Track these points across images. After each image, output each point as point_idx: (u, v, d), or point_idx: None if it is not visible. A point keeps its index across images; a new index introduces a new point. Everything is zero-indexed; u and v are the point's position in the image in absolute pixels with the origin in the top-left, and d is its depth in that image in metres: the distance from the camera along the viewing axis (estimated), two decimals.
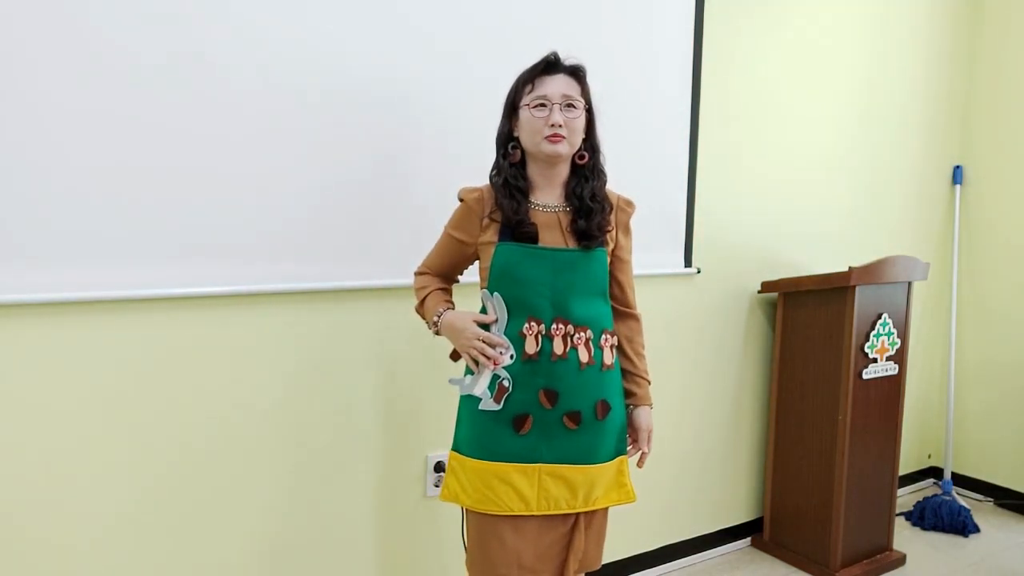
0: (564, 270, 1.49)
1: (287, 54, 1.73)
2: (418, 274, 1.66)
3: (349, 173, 1.84)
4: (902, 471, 3.27)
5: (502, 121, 1.55)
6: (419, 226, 1.90)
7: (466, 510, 1.55)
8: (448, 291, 1.65)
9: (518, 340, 1.47)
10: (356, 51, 1.82)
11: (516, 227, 1.48)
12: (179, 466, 1.70)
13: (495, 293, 1.48)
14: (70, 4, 1.49)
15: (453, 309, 1.57)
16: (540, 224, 1.50)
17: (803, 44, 2.74)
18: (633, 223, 1.63)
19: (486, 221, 1.52)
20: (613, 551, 2.41)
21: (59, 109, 1.50)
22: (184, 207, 1.64)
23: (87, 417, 1.59)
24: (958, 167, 3.37)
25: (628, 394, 1.63)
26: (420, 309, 1.63)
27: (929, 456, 3.50)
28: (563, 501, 1.50)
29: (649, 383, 1.66)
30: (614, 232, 1.58)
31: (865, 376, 2.52)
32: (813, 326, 2.58)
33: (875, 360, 2.54)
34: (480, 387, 1.48)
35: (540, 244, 1.49)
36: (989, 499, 3.27)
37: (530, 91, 1.48)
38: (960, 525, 2.93)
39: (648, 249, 2.33)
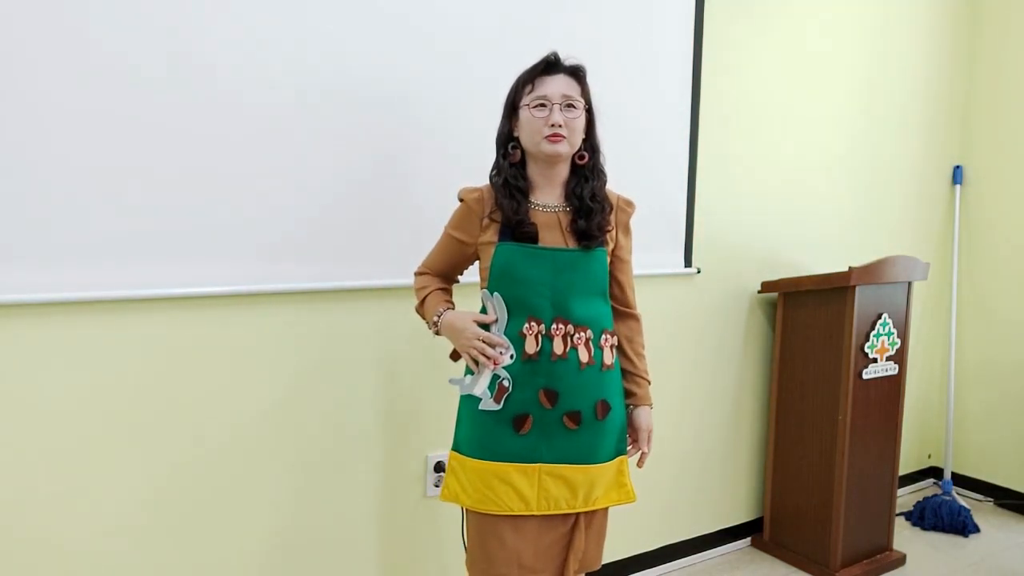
0: (564, 270, 1.49)
1: (287, 54, 1.73)
2: (418, 274, 1.66)
3: (349, 173, 1.84)
4: (902, 471, 3.27)
5: (502, 121, 1.55)
6: (419, 226, 1.90)
7: (466, 510, 1.55)
8: (448, 291, 1.65)
9: (518, 340, 1.47)
10: (356, 51, 1.82)
11: (516, 227, 1.48)
12: (179, 466, 1.70)
13: (495, 293, 1.48)
14: (70, 4, 1.49)
15: (453, 309, 1.57)
16: (540, 224, 1.50)
17: (803, 44, 2.75)
18: (633, 223, 1.63)
19: (486, 221, 1.52)
20: (613, 551, 2.41)
21: (59, 109, 1.50)
22: (184, 207, 1.64)
23: (87, 417, 1.59)
24: (958, 167, 3.37)
25: (628, 394, 1.63)
26: (420, 309, 1.63)
27: (929, 456, 3.50)
28: (563, 501, 1.50)
29: (649, 383, 1.66)
30: (614, 232, 1.58)
31: (865, 376, 2.52)
32: (813, 326, 2.58)
33: (875, 360, 2.55)
34: (480, 387, 1.48)
35: (540, 244, 1.49)
36: (989, 499, 3.27)
37: (530, 91, 1.48)
38: (960, 525, 2.93)
39: (648, 249, 2.33)
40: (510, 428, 1.48)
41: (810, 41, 2.76)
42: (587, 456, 1.51)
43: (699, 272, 2.54)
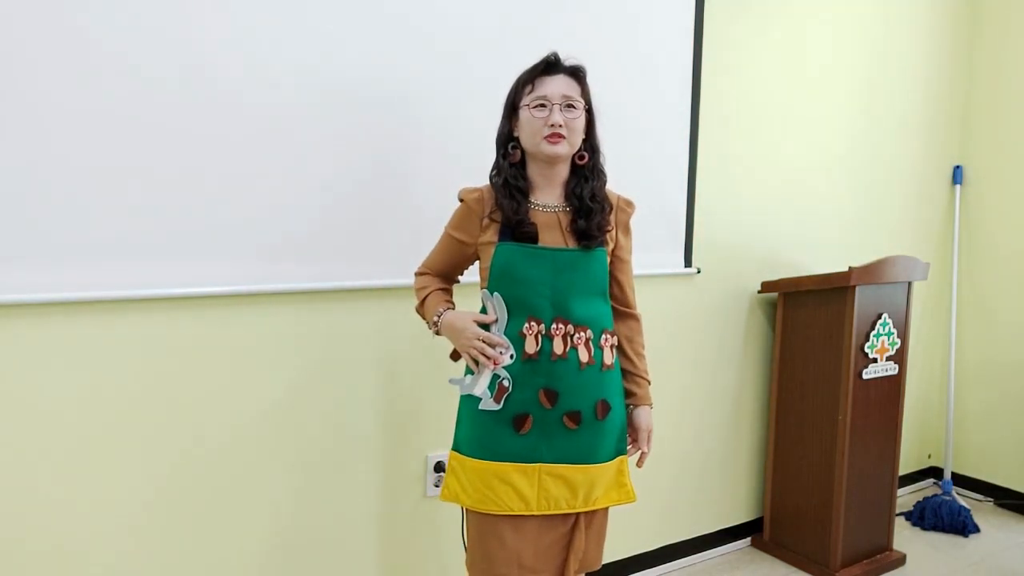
0: (564, 270, 1.49)
1: (287, 54, 1.73)
2: (418, 274, 1.66)
3: (349, 173, 1.84)
4: (902, 471, 3.27)
5: (502, 121, 1.55)
6: (419, 226, 1.91)
7: (466, 510, 1.55)
8: (448, 291, 1.65)
9: (518, 340, 1.47)
10: (356, 51, 1.82)
11: (516, 227, 1.48)
12: (179, 466, 1.70)
13: (495, 293, 1.48)
14: (70, 4, 1.49)
15: (453, 309, 1.57)
16: (540, 224, 1.50)
17: (803, 44, 2.75)
18: (633, 223, 1.63)
19: (486, 221, 1.52)
20: (613, 551, 2.41)
21: (59, 109, 1.50)
22: (184, 207, 1.64)
23: (87, 417, 1.59)
24: (958, 167, 3.37)
25: (628, 394, 1.63)
26: (420, 309, 1.63)
27: (929, 456, 3.50)
28: (563, 501, 1.50)
29: (649, 383, 1.66)
30: (614, 232, 1.58)
31: (865, 376, 2.52)
32: (813, 326, 2.58)
33: (875, 360, 2.55)
34: (480, 387, 1.48)
35: (540, 244, 1.49)
36: (989, 499, 3.27)
37: (530, 91, 1.48)
38: (960, 525, 2.94)
39: (648, 249, 2.33)
40: (510, 428, 1.48)
41: (810, 41, 2.76)
42: (587, 456, 1.51)
43: (699, 272, 2.54)
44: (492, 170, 1.56)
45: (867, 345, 2.51)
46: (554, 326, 1.47)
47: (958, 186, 3.37)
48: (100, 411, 1.60)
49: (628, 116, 2.29)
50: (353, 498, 1.93)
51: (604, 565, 1.95)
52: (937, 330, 3.44)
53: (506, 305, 1.47)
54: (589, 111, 1.53)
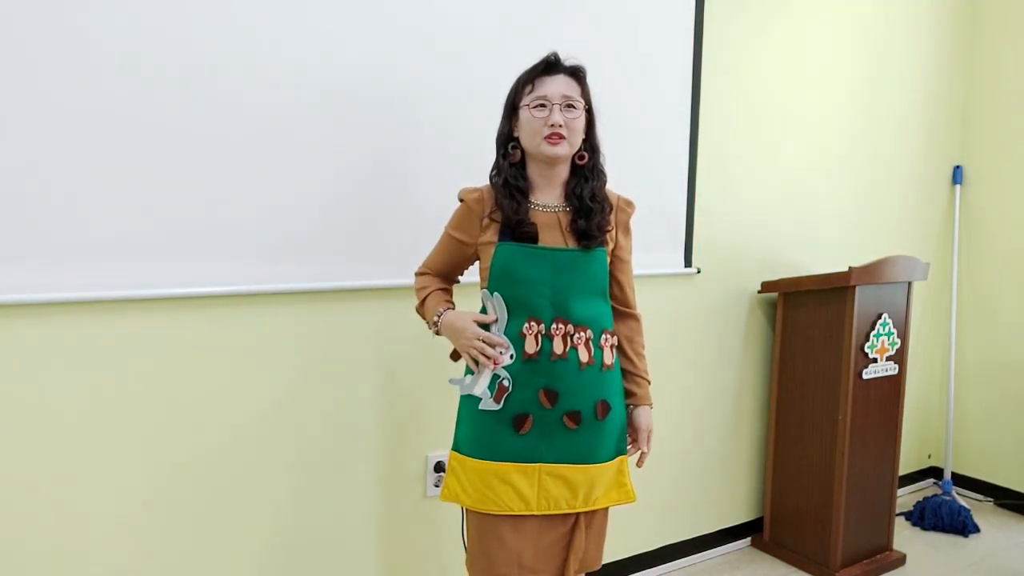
0: (564, 270, 1.49)
1: (287, 54, 1.73)
2: (418, 274, 1.66)
3: (349, 173, 1.84)
4: (902, 471, 3.27)
5: (502, 121, 1.55)
6: (419, 226, 1.90)
7: (466, 510, 1.55)
8: (448, 291, 1.65)
9: (518, 340, 1.47)
10: (356, 51, 1.82)
11: (516, 227, 1.48)
12: (179, 466, 1.70)
13: (495, 293, 1.48)
14: (70, 5, 1.49)
15: (453, 309, 1.57)
16: (540, 224, 1.50)
17: (803, 44, 2.74)
18: (633, 223, 1.63)
19: (486, 221, 1.52)
20: (613, 551, 2.41)
21: (59, 109, 1.50)
22: (184, 207, 1.64)
23: (87, 417, 1.59)
24: (958, 167, 3.37)
25: (628, 394, 1.63)
26: (420, 309, 1.63)
27: (929, 456, 3.50)
28: (563, 501, 1.50)
29: (649, 383, 1.66)
30: (614, 232, 1.58)
31: (865, 376, 2.52)
32: (813, 326, 2.58)
33: (875, 360, 2.55)
34: (480, 387, 1.48)
35: (540, 244, 1.49)
36: (989, 499, 3.27)
37: (530, 91, 1.48)
38: (960, 525, 2.94)
39: (648, 249, 2.33)
40: (510, 428, 1.48)
41: (810, 41, 2.76)
42: (587, 456, 1.51)
43: (699, 272, 2.54)
44: (492, 170, 1.56)
45: (867, 345, 2.51)
46: (554, 326, 1.47)
47: (958, 186, 3.37)
48: (100, 411, 1.60)
49: (628, 116, 2.29)
50: (353, 498, 1.93)
51: (604, 565, 1.95)
52: (937, 330, 3.44)
53: (506, 305, 1.47)
54: (589, 111, 1.53)
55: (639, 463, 1.65)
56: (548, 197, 1.53)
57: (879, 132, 3.05)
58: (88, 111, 1.53)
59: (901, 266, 2.54)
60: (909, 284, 2.64)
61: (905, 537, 2.90)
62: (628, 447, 1.63)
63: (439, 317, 1.55)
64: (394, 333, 1.95)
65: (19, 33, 1.45)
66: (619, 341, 1.61)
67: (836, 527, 2.51)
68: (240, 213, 1.71)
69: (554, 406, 1.48)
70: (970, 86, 3.37)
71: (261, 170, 1.73)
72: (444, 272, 1.64)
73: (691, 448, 2.61)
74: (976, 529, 2.95)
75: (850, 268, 2.42)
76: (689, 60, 2.41)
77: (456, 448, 1.56)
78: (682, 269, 2.49)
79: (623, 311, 1.64)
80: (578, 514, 1.53)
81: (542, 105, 1.47)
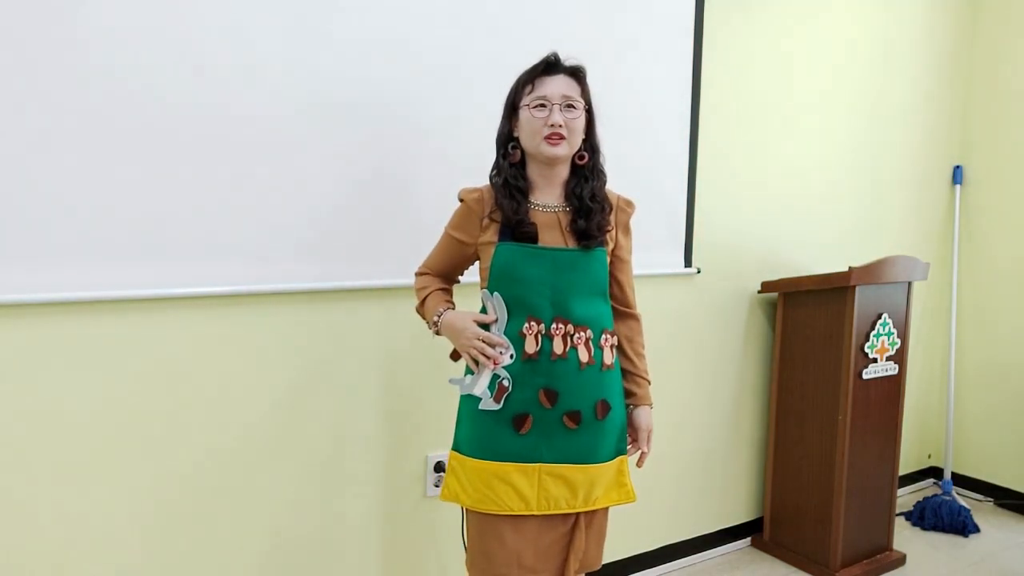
0: (564, 270, 1.49)
1: (287, 55, 1.73)
2: (418, 274, 1.66)
3: (350, 173, 1.84)
4: (902, 471, 3.27)
5: (502, 121, 1.55)
6: (419, 226, 1.90)
7: (466, 510, 1.55)
8: (448, 291, 1.65)
9: (518, 340, 1.47)
10: (356, 53, 1.82)
11: (516, 227, 1.48)
12: (179, 466, 1.70)
13: (495, 293, 1.48)
14: (71, 6, 1.49)
15: (453, 309, 1.57)
16: (540, 224, 1.50)
17: (803, 44, 2.74)
18: (633, 223, 1.63)
19: (486, 221, 1.52)
20: (613, 551, 2.41)
21: (59, 109, 1.50)
22: (184, 208, 1.64)
23: (87, 417, 1.59)
24: (958, 167, 3.37)
25: (628, 394, 1.63)
26: (420, 309, 1.63)
27: (929, 456, 3.50)
28: (563, 501, 1.50)
29: (649, 383, 1.66)
30: (614, 232, 1.58)
31: (865, 376, 2.52)
32: (813, 326, 2.58)
33: (875, 360, 2.55)
34: (480, 387, 1.48)
35: (540, 244, 1.49)
36: (989, 499, 3.27)
37: (530, 91, 1.48)
38: (960, 525, 2.94)
39: (648, 249, 2.33)
40: (510, 428, 1.48)
41: (810, 41, 2.76)
42: (587, 456, 1.51)
43: (699, 272, 2.54)
44: (492, 170, 1.56)
45: (867, 345, 2.51)
46: (554, 326, 1.47)
47: (958, 186, 3.37)
48: (100, 411, 1.60)
49: (628, 116, 2.29)
50: (353, 498, 1.93)
51: (604, 565, 1.95)
52: (937, 330, 3.44)
53: (506, 305, 1.47)
54: (589, 111, 1.53)
55: (639, 463, 1.65)
56: (548, 197, 1.53)
57: (879, 132, 3.05)
58: (88, 112, 1.53)
59: (901, 266, 2.54)
60: (909, 284, 2.64)
61: (905, 537, 2.90)
62: (628, 447, 1.63)
63: (439, 317, 1.55)
64: (394, 333, 1.95)
65: (19, 34, 1.45)
66: (619, 341, 1.61)
67: (836, 527, 2.51)
68: (240, 214, 1.71)
69: (554, 406, 1.48)
70: (970, 86, 3.37)
71: (261, 171, 1.73)
72: (444, 272, 1.64)
73: (691, 448, 2.61)
74: (976, 529, 2.95)
75: (850, 268, 2.42)
76: (689, 59, 2.41)
77: (456, 448, 1.56)
78: (682, 269, 2.49)
79: (623, 311, 1.64)
80: (578, 514, 1.53)
81: (542, 105, 1.47)
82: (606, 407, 1.52)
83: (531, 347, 1.46)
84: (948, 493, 3.20)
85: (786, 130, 2.73)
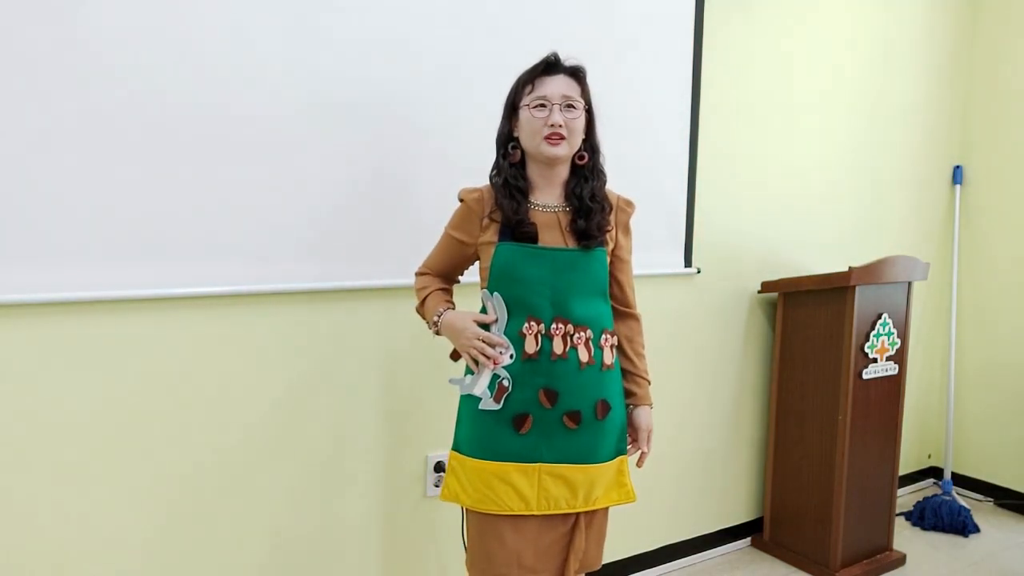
0: (564, 270, 1.49)
1: (287, 55, 1.73)
2: (418, 274, 1.66)
3: (350, 173, 1.84)
4: (902, 471, 3.27)
5: (502, 121, 1.55)
6: (420, 226, 1.91)
7: (466, 510, 1.55)
8: (449, 291, 1.65)
9: (518, 340, 1.47)
10: (356, 53, 1.82)
11: (516, 227, 1.48)
12: (179, 466, 1.70)
13: (495, 293, 1.48)
14: (72, 6, 1.49)
15: (453, 309, 1.57)
16: (540, 224, 1.50)
17: (803, 44, 2.75)
18: (633, 223, 1.63)
19: (486, 221, 1.52)
20: (613, 551, 2.41)
21: (60, 109, 1.50)
22: (184, 208, 1.64)
23: (86, 417, 1.59)
24: (958, 167, 3.37)
25: (628, 394, 1.63)
26: (420, 309, 1.63)
27: (929, 456, 3.50)
28: (563, 501, 1.50)
29: (649, 383, 1.66)
30: (614, 232, 1.58)
31: (865, 376, 2.52)
32: (813, 326, 2.58)
33: (875, 360, 2.55)
34: (480, 387, 1.48)
35: (540, 244, 1.49)
36: (989, 499, 3.27)
37: (530, 91, 1.48)
38: (960, 525, 2.94)
39: (648, 249, 2.33)
40: (510, 428, 1.48)
41: (810, 41, 2.76)
42: (587, 456, 1.51)
43: (699, 272, 2.54)
44: (492, 170, 1.56)
45: (867, 345, 2.51)
46: (554, 326, 1.47)
47: (958, 186, 3.37)
48: (100, 411, 1.60)
49: (628, 116, 2.29)
50: (353, 498, 1.93)
51: (604, 565, 1.95)
52: (937, 330, 3.44)
53: (506, 305, 1.47)
54: (589, 111, 1.53)
55: (639, 463, 1.65)
56: (548, 197, 1.53)
57: (879, 132, 3.05)
58: (89, 112, 1.53)
59: (901, 266, 2.54)
60: (909, 284, 2.64)
61: (905, 537, 2.90)
62: (628, 447, 1.63)
63: (439, 317, 1.55)
64: (394, 333, 1.95)
65: (18, 34, 1.45)
66: (619, 341, 1.61)
67: (836, 527, 2.51)
68: (240, 214, 1.71)
69: (554, 406, 1.48)
70: (970, 86, 3.37)
71: (261, 171, 1.73)
72: (444, 272, 1.64)
73: (691, 448, 2.61)
74: (976, 529, 2.95)
75: (850, 268, 2.42)
76: (689, 59, 2.41)
77: (456, 448, 1.56)
78: (682, 269, 2.49)
79: (623, 311, 1.64)
80: (578, 514, 1.53)
81: (542, 105, 1.47)
82: (606, 407, 1.52)
83: (531, 347, 1.46)
84: (948, 493, 3.20)
85: (786, 130, 2.73)
